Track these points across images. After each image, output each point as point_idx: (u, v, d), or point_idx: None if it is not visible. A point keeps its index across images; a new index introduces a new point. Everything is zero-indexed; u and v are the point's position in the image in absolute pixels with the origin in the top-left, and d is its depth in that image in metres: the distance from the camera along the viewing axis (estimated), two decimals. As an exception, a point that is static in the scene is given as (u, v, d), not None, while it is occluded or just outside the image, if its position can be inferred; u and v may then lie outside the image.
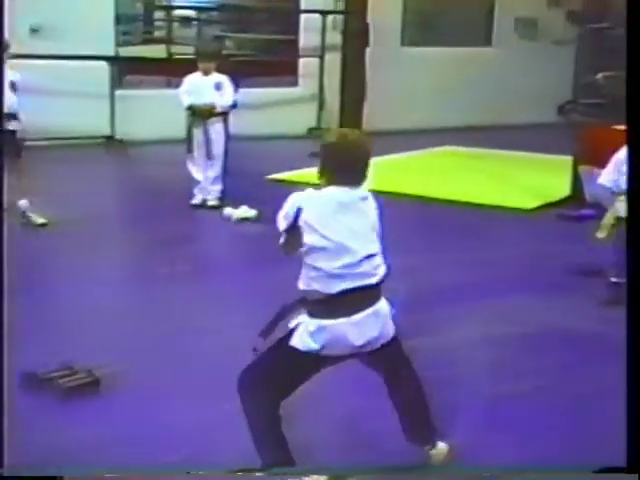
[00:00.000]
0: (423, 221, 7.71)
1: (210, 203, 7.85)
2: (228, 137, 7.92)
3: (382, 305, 3.08)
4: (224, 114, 7.84)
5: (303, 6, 12.74)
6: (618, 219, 5.16)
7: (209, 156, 7.78)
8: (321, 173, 3.08)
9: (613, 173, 5.27)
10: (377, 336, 3.04)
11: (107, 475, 2.92)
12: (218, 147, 7.82)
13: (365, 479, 3.05)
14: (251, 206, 7.45)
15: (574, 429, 3.63)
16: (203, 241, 7.13)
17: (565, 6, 14.24)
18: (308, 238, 3.00)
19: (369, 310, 3.01)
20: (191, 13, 12.95)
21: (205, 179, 7.86)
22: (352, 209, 3.04)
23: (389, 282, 3.13)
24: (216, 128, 7.81)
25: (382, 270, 3.08)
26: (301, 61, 12.91)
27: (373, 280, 3.03)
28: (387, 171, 9.80)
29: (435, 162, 10.77)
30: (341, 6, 12.84)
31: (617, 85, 9.50)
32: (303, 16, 12.73)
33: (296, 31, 12.84)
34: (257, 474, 2.97)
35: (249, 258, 6.39)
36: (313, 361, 3.01)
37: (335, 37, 12.90)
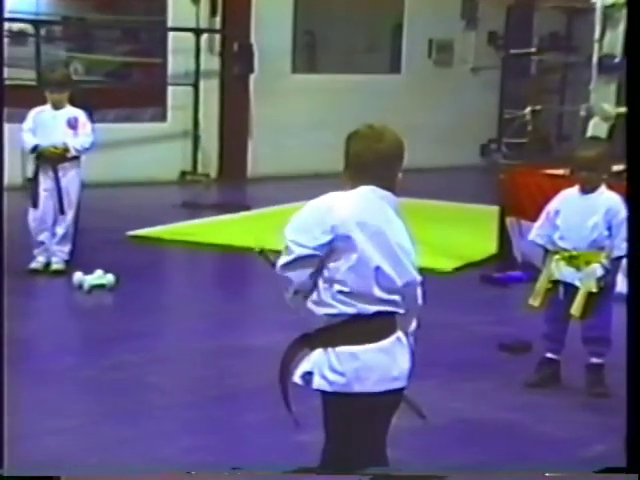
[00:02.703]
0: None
1: (55, 267, 7.68)
2: (81, 185, 7.81)
3: (401, 335, 3.20)
4: (78, 157, 7.73)
5: (171, 22, 12.77)
6: (554, 283, 5.27)
7: (61, 210, 7.64)
8: (349, 170, 3.21)
9: (546, 227, 5.37)
10: (407, 368, 3.17)
11: (105, 475, 3.38)
12: (71, 198, 7.70)
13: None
14: (107, 270, 7.33)
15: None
16: (43, 316, 6.94)
17: (485, 27, 14.79)
18: (347, 255, 3.07)
19: (393, 336, 3.14)
20: (26, 27, 12.73)
21: (51, 237, 7.70)
22: (394, 217, 3.21)
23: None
24: (69, 175, 7.69)
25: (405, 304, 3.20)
26: (170, 90, 12.91)
27: (400, 309, 3.17)
28: (277, 224, 9.83)
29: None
30: (218, 23, 12.95)
31: (546, 121, 9.91)
32: (172, 35, 12.75)
33: (163, 53, 12.85)
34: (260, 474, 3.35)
35: (104, 337, 6.24)
36: (350, 404, 3.09)
37: (212, 61, 13.00)
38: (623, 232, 5.09)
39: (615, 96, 7.61)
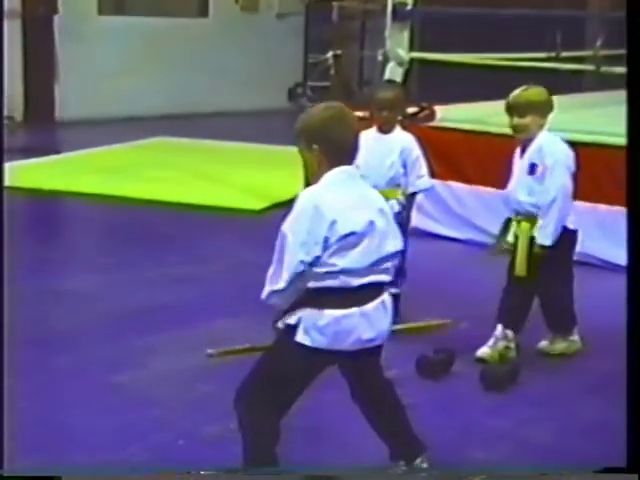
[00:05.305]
0: (119, 228, 7.82)
1: None
2: None
3: (387, 297, 3.39)
4: None
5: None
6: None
7: None
8: (319, 156, 3.28)
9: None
10: (385, 330, 3.36)
11: (105, 475, 3.43)
12: None
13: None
14: None
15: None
16: None
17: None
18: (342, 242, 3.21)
19: (377, 300, 3.32)
20: None
21: None
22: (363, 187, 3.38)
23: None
24: None
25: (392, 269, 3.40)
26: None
27: (386, 277, 3.35)
28: (84, 169, 9.80)
29: (142, 157, 10.88)
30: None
31: (346, 65, 10.25)
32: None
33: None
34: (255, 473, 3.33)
35: None
36: (319, 359, 3.28)
37: (13, 0, 12.65)
38: (416, 170, 5.41)
39: (408, 42, 7.94)
